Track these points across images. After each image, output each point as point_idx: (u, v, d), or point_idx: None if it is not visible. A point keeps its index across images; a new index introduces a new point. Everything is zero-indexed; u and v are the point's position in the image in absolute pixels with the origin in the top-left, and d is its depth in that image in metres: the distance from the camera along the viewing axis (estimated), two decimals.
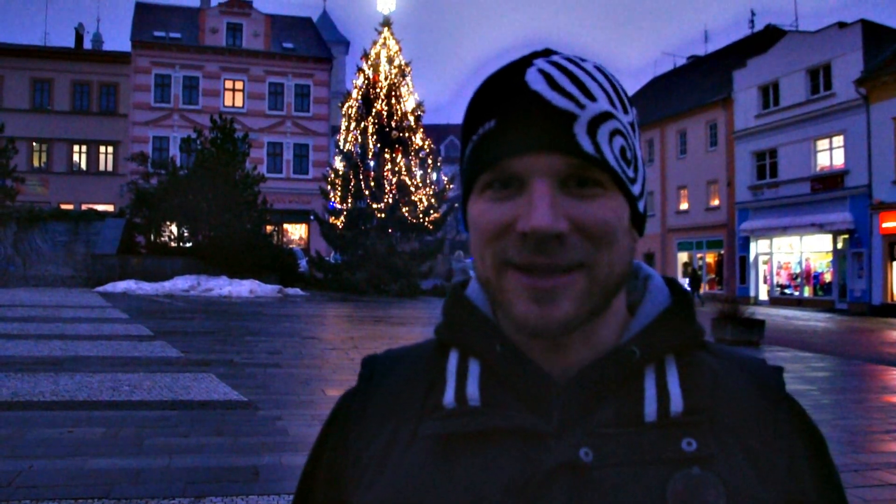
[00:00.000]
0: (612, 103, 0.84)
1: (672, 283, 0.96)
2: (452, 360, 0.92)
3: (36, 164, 48.62)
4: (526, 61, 0.85)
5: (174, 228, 34.10)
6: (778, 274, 39.17)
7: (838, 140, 34.71)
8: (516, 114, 0.81)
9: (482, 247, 0.84)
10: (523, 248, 0.80)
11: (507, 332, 0.89)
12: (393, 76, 35.04)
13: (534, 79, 0.82)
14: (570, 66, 0.84)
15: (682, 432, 0.82)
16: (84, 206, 40.69)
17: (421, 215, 34.20)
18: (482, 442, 0.84)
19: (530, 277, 0.80)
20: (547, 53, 0.87)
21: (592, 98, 0.82)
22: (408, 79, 35.64)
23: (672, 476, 0.79)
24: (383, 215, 33.69)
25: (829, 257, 35.72)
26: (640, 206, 0.88)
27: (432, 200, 34.48)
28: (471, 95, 0.88)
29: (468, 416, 0.85)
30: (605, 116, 0.82)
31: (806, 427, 0.89)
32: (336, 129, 40.85)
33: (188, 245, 33.98)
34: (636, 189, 0.86)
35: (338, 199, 34.89)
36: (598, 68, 0.87)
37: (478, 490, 0.81)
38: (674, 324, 0.89)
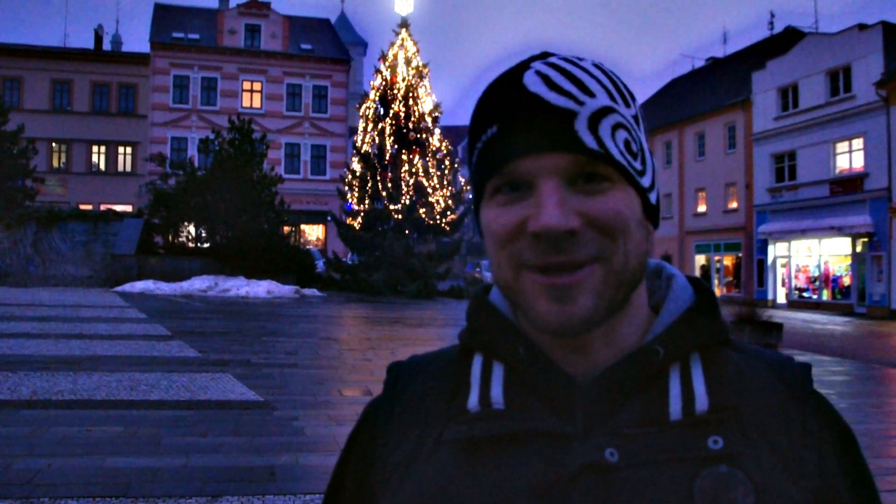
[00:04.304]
0: (612, 98, 0.84)
1: (696, 281, 0.96)
2: (476, 364, 0.92)
3: (55, 164, 48.97)
4: (523, 65, 0.86)
5: (192, 229, 34.19)
6: (796, 277, 38.93)
7: (858, 143, 34.45)
8: (517, 117, 0.82)
9: (497, 252, 0.85)
10: (537, 249, 0.80)
11: (530, 335, 0.89)
12: (410, 77, 35.01)
13: (531, 81, 0.83)
14: (568, 66, 0.85)
15: (709, 430, 0.81)
16: (103, 207, 40.92)
17: (438, 217, 34.17)
18: (507, 445, 0.84)
19: (547, 276, 0.81)
20: (544, 56, 0.88)
21: (591, 94, 0.82)
22: (425, 80, 35.60)
23: (699, 474, 0.78)
24: (400, 216, 33.67)
25: (848, 260, 35.45)
26: (652, 197, 0.88)
27: (449, 202, 34.45)
28: (474, 104, 0.89)
29: (492, 419, 0.85)
30: (606, 111, 0.82)
31: (835, 423, 0.89)
32: (353, 131, 40.89)
33: (206, 245, 34.06)
34: (646, 181, 0.86)
35: (355, 200, 34.92)
36: (597, 66, 0.87)
37: (503, 493, 0.81)
38: (698, 322, 0.89)
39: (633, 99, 0.90)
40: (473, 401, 0.88)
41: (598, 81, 0.85)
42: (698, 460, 0.80)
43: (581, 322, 0.81)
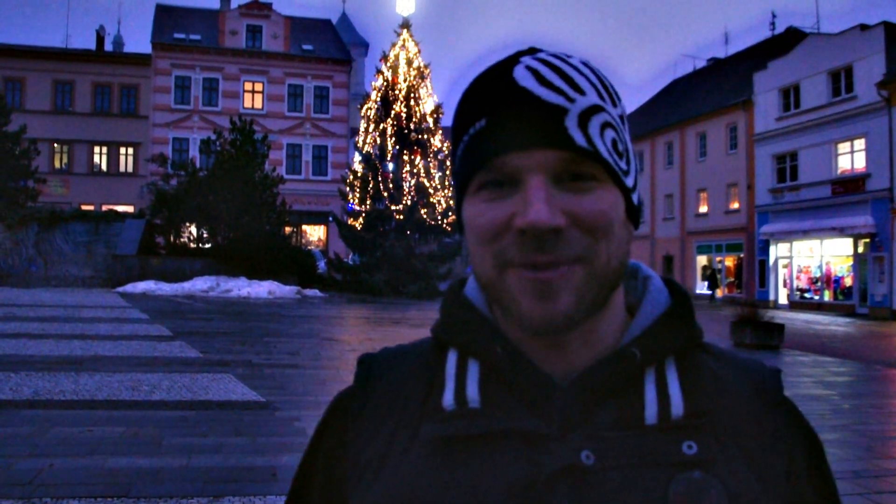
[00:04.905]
0: (600, 96, 0.84)
1: (672, 283, 0.96)
2: (451, 360, 0.91)
3: (57, 165, 48.96)
4: (513, 59, 0.85)
5: (193, 229, 34.25)
6: (798, 278, 38.89)
7: (860, 143, 34.41)
8: (506, 111, 0.81)
9: (481, 248, 0.84)
10: (522, 246, 0.80)
11: (507, 333, 0.89)
12: (412, 78, 35.05)
13: (522, 75, 0.82)
14: (557, 62, 0.84)
15: (683, 435, 0.82)
16: (104, 207, 40.92)
17: (439, 217, 34.19)
18: (483, 444, 0.83)
19: (531, 272, 0.80)
20: (532, 51, 0.87)
21: (581, 92, 0.82)
22: (427, 81, 35.64)
23: (673, 479, 0.79)
24: (402, 217, 33.70)
25: (850, 261, 35.41)
26: (634, 198, 0.88)
27: (451, 202, 34.46)
28: (460, 97, 0.88)
29: (469, 418, 0.85)
30: (595, 109, 0.82)
31: (804, 430, 0.90)
32: (355, 131, 40.92)
33: (207, 246, 34.11)
34: (629, 181, 0.86)
35: (356, 200, 34.96)
36: (585, 63, 0.87)
37: (479, 493, 0.80)
38: (674, 325, 0.90)
39: (619, 98, 0.90)
40: (449, 399, 0.87)
41: (588, 79, 0.84)
42: (673, 465, 0.80)
43: (563, 320, 0.81)
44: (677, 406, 0.83)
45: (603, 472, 0.80)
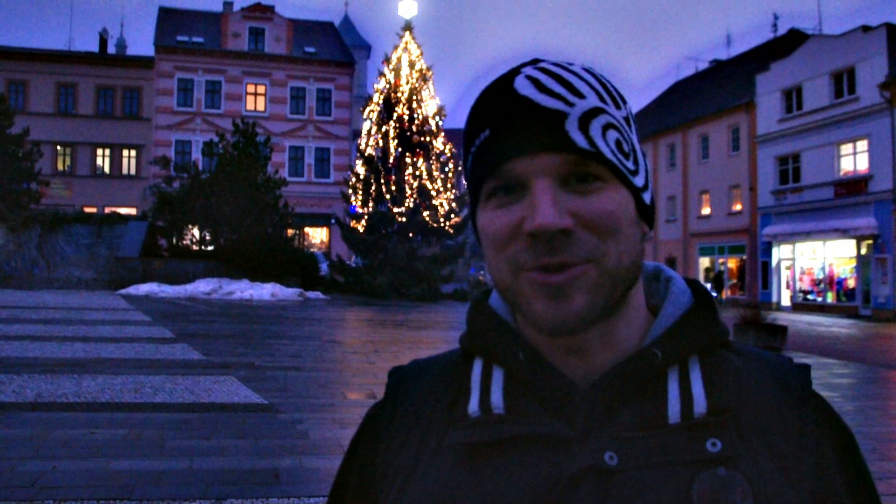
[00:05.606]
0: (602, 99, 0.86)
1: (694, 284, 0.97)
2: (477, 368, 0.93)
3: (60, 167, 49.08)
4: (514, 71, 0.88)
5: (196, 232, 34.23)
6: (801, 279, 38.87)
7: (862, 144, 34.41)
8: (508, 119, 0.83)
9: (496, 254, 0.86)
10: (533, 250, 0.81)
11: (529, 339, 0.90)
12: (414, 80, 35.04)
13: (522, 85, 0.84)
14: (557, 70, 0.86)
15: (707, 433, 0.82)
16: (107, 210, 41.08)
17: (442, 219, 34.18)
18: (507, 449, 0.85)
19: (543, 274, 0.81)
20: (535, 62, 0.89)
21: (581, 96, 0.84)
22: (429, 83, 35.63)
23: (697, 477, 0.79)
24: (404, 219, 33.68)
25: (853, 263, 35.39)
26: (646, 197, 0.89)
27: (453, 204, 34.46)
28: (468, 112, 0.91)
29: (493, 424, 0.86)
30: (596, 112, 0.84)
31: (834, 425, 0.89)
32: (357, 134, 40.95)
33: (210, 248, 34.09)
34: (639, 181, 0.87)
35: (359, 202, 34.94)
36: (587, 69, 0.89)
37: (505, 497, 0.82)
38: (696, 324, 0.90)
39: (624, 101, 0.91)
40: (474, 406, 0.89)
41: (588, 84, 0.86)
42: (697, 463, 0.80)
43: (577, 320, 0.82)
44: (700, 404, 0.84)
45: (626, 472, 0.80)
